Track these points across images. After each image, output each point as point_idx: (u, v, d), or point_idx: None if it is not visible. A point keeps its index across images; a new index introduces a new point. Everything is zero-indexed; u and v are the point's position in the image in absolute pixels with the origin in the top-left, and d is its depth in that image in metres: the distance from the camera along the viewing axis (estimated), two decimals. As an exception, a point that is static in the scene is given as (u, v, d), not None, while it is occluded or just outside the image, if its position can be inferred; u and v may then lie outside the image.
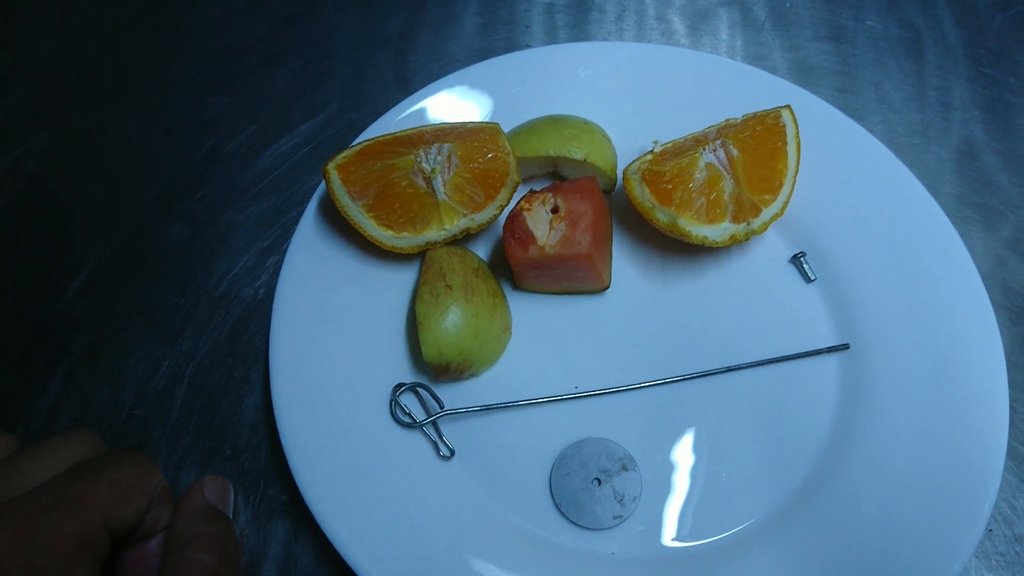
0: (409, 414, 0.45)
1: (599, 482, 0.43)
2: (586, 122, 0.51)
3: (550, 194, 0.45)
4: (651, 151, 0.48)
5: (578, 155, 0.48)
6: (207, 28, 0.66)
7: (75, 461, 0.31)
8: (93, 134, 0.60)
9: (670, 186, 0.46)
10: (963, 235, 0.48)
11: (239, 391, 0.49)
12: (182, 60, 0.64)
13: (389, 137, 0.47)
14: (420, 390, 0.46)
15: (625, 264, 0.50)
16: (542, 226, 0.45)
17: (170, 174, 0.58)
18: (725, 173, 0.47)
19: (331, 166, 0.46)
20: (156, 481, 0.33)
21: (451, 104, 0.54)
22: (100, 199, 0.57)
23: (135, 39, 0.66)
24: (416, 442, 0.45)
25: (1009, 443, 0.42)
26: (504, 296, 0.48)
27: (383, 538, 0.41)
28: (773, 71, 0.59)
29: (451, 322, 0.44)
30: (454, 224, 0.47)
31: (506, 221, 0.45)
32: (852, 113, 0.53)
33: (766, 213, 0.47)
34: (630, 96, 0.55)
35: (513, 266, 0.46)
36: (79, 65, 0.64)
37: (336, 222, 0.49)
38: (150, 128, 0.60)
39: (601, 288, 0.49)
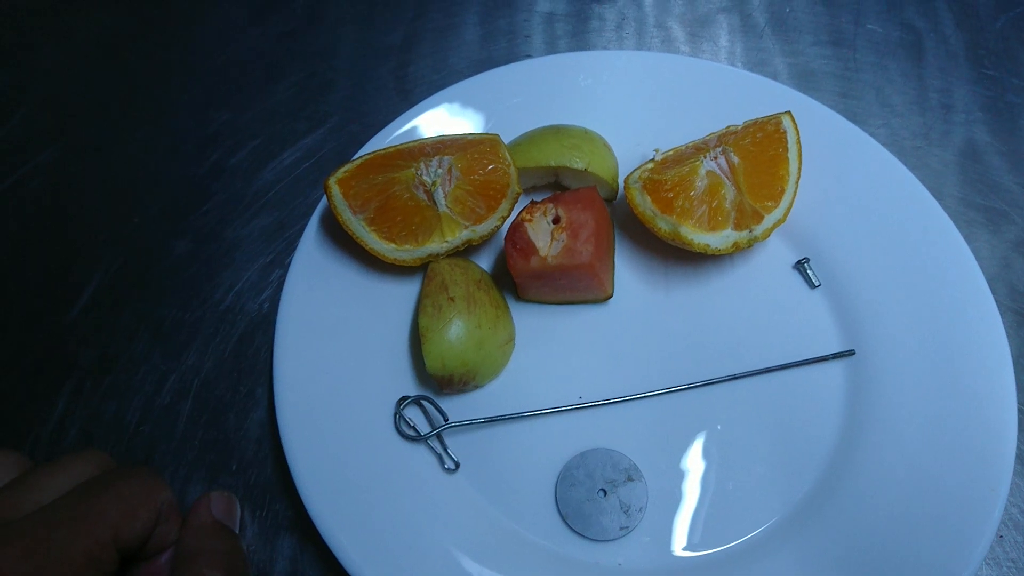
0: (413, 427, 0.45)
1: (605, 493, 0.43)
2: (587, 131, 0.51)
3: (551, 204, 0.45)
4: (652, 159, 0.48)
5: (579, 165, 0.48)
6: (210, 43, 0.66)
7: (85, 479, 0.32)
8: (98, 150, 0.61)
9: (671, 194, 0.46)
10: (968, 238, 0.47)
11: (244, 406, 0.49)
12: (186, 75, 0.65)
13: (390, 150, 0.48)
14: (424, 403, 0.46)
15: (628, 273, 0.50)
16: (544, 237, 0.45)
17: (175, 189, 0.58)
18: (726, 180, 0.47)
19: (332, 180, 0.46)
20: (164, 497, 0.33)
21: (452, 115, 0.54)
22: (106, 214, 0.58)
23: (139, 55, 0.66)
24: (421, 455, 0.44)
25: (1019, 447, 0.42)
26: (507, 307, 0.48)
27: (388, 552, 0.41)
28: (774, 77, 0.59)
29: (454, 334, 0.44)
30: (456, 236, 0.47)
31: (508, 232, 0.45)
32: (854, 117, 0.54)
33: (768, 219, 0.47)
34: (631, 104, 0.55)
35: (515, 277, 0.46)
36: (84, 82, 0.65)
37: (338, 236, 0.49)
38: (155, 143, 0.61)
39: (604, 297, 0.49)
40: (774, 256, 0.50)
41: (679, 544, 0.42)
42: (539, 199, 0.46)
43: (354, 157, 0.48)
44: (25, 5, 0.70)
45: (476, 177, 0.47)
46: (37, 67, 0.66)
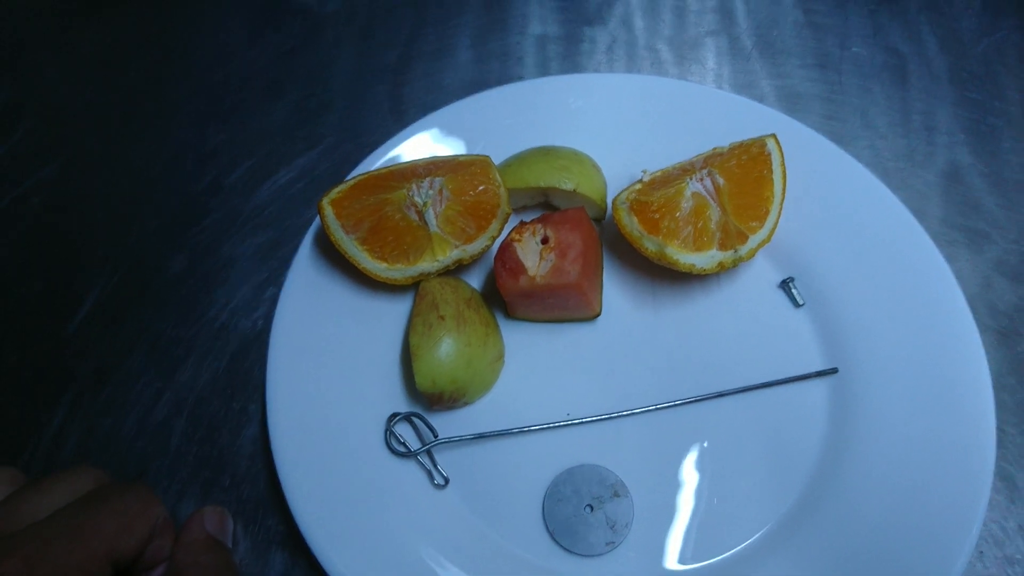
0: (404, 443, 0.45)
1: (591, 508, 0.44)
2: (576, 153, 0.52)
3: (540, 225, 0.46)
4: (640, 180, 0.50)
5: (568, 186, 0.49)
6: (209, 60, 0.68)
7: (81, 494, 0.32)
8: (98, 166, 0.62)
9: (658, 215, 0.47)
10: (950, 258, 0.48)
11: (238, 422, 0.49)
12: (185, 91, 0.66)
13: (382, 171, 0.49)
14: (415, 419, 0.46)
15: (616, 292, 0.51)
16: (532, 256, 0.45)
17: (173, 205, 0.59)
18: (712, 201, 0.48)
19: (325, 201, 0.47)
20: (158, 512, 0.34)
21: (443, 136, 0.55)
22: (104, 229, 0.58)
23: (139, 72, 0.67)
24: (411, 471, 0.45)
25: (998, 464, 0.43)
26: (497, 325, 0.49)
27: (378, 568, 0.41)
28: (760, 99, 0.60)
29: (444, 352, 0.44)
30: (446, 255, 0.48)
31: (497, 252, 0.46)
32: (839, 139, 0.54)
33: (753, 240, 0.48)
34: (620, 126, 0.56)
35: (505, 296, 0.47)
36: (84, 98, 0.66)
37: (331, 255, 0.50)
38: (154, 159, 0.62)
39: (592, 316, 0.50)
40: (759, 276, 0.51)
41: (665, 559, 0.43)
42: (528, 219, 0.47)
43: (347, 178, 0.49)
44: (25, 21, 0.71)
45: (467, 198, 0.48)
46: (38, 84, 0.67)
